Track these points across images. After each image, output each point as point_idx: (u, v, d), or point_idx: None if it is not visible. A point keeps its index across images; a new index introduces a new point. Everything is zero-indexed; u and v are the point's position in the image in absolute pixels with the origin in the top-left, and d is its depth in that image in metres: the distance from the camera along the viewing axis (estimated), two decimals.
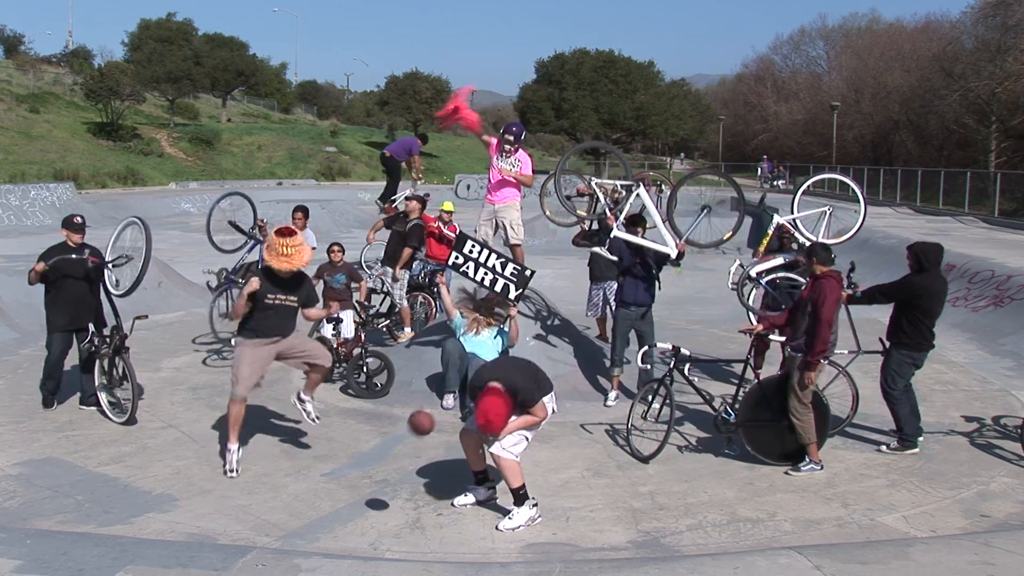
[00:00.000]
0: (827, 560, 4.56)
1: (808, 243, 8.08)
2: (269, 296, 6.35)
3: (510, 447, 5.42)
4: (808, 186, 9.31)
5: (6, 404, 8.09)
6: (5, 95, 46.11)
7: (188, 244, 22.42)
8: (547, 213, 9.61)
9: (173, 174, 45.49)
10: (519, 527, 5.49)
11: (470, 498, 5.87)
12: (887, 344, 7.02)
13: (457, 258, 8.32)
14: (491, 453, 5.49)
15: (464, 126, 9.24)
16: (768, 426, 6.61)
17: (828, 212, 8.65)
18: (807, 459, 6.49)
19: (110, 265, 7.91)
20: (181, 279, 14.59)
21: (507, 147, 8.59)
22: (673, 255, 8.08)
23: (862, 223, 8.92)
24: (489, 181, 8.89)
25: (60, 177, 35.08)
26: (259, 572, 4.45)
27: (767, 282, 8.35)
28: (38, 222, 25.02)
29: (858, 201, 9.26)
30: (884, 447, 6.98)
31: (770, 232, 8.68)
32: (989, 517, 5.72)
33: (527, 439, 5.51)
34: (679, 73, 79.85)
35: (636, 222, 8.35)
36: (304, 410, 6.77)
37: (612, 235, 8.11)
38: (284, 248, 6.23)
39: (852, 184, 9.88)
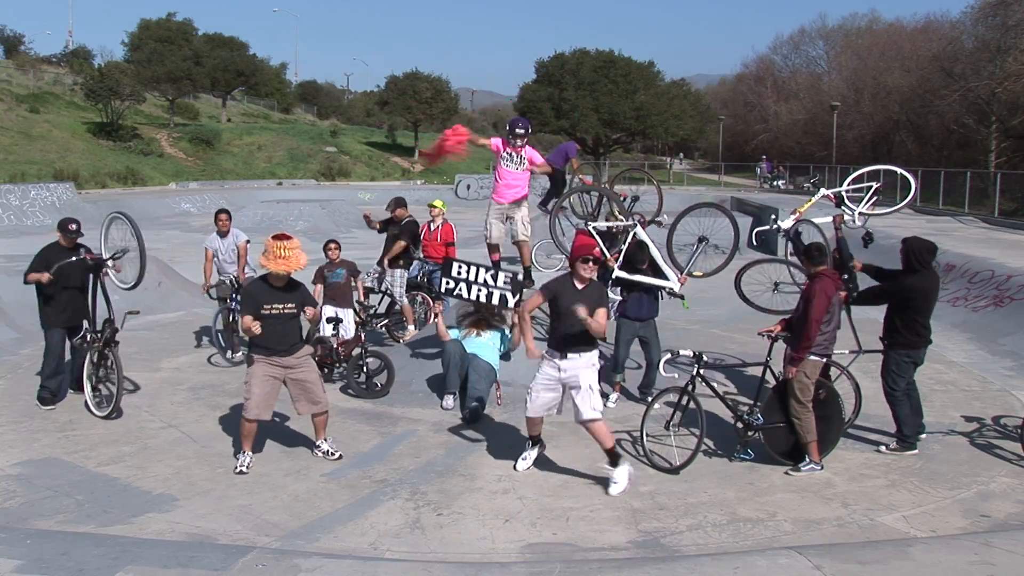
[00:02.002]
0: (827, 560, 4.56)
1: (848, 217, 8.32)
2: (266, 306, 6.36)
3: (592, 408, 6.04)
4: (861, 175, 9.12)
5: (6, 404, 8.09)
6: (5, 95, 46.12)
7: (188, 244, 22.41)
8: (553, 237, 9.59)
9: (173, 174, 45.52)
10: (624, 489, 6.06)
11: (530, 459, 6.59)
12: (885, 341, 7.01)
13: (448, 283, 8.28)
14: (584, 423, 6.13)
15: (456, 151, 9.12)
16: (790, 425, 6.57)
17: (876, 189, 8.66)
18: (807, 459, 6.49)
19: (110, 262, 8.02)
20: (181, 279, 14.59)
21: (517, 143, 8.55)
22: (676, 289, 8.13)
23: (909, 200, 9.16)
24: (496, 182, 8.86)
25: (60, 177, 35.13)
26: (259, 572, 4.45)
27: (794, 234, 8.44)
28: (38, 222, 25.03)
29: (908, 188, 9.50)
30: (883, 447, 6.98)
31: (814, 199, 8.83)
32: (989, 517, 5.72)
33: (596, 391, 6.11)
34: (679, 73, 79.66)
35: (635, 260, 8.19)
36: (322, 452, 6.79)
37: (614, 276, 8.09)
38: (281, 250, 6.28)
39: (907, 174, 9.78)
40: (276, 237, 6.38)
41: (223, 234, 10.12)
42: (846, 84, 54.00)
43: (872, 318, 8.61)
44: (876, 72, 50.44)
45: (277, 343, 6.41)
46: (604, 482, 6.28)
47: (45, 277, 7.75)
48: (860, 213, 8.48)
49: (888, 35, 55.90)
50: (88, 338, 7.94)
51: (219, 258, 10.10)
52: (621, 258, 8.20)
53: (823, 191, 8.84)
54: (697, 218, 8.80)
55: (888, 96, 48.12)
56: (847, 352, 7.35)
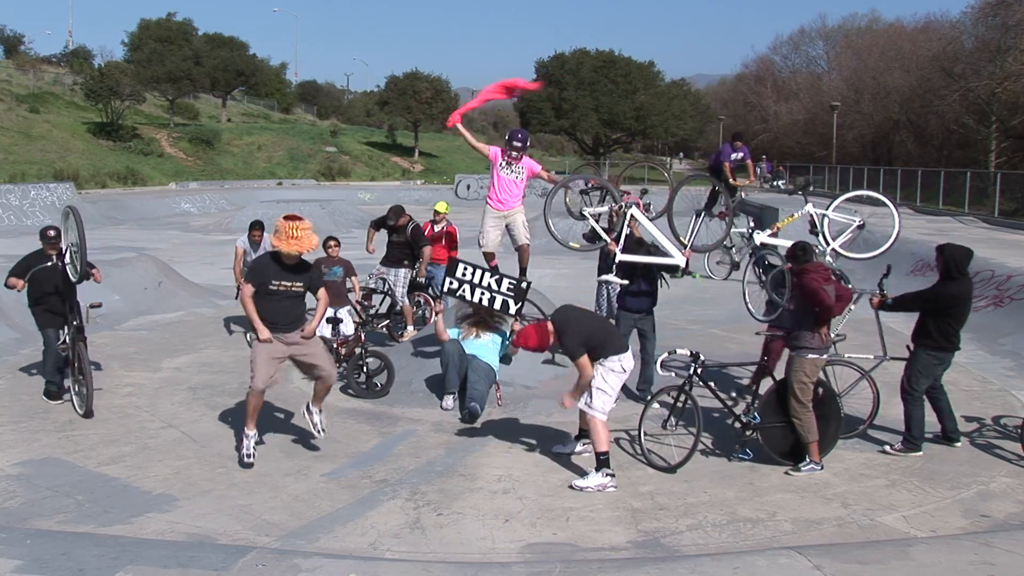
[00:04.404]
0: (827, 560, 4.56)
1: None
2: (274, 283, 6.39)
3: (597, 406, 6.13)
4: (844, 201, 8.60)
5: (6, 404, 8.09)
6: (5, 95, 46.13)
7: (188, 244, 22.45)
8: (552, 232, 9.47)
9: (173, 174, 45.55)
10: (587, 488, 6.07)
11: (567, 448, 6.76)
12: (912, 346, 6.99)
13: (451, 283, 8.26)
14: (581, 410, 6.25)
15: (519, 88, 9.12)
16: (788, 425, 6.58)
17: (859, 225, 8.35)
18: (807, 459, 6.49)
19: (66, 259, 8.17)
20: (181, 279, 14.60)
21: (515, 154, 8.49)
22: (682, 265, 8.14)
23: (890, 244, 8.46)
24: (491, 188, 8.77)
25: (60, 177, 35.17)
26: (259, 572, 4.44)
27: (760, 255, 8.39)
28: (38, 222, 24.96)
29: (892, 216, 8.57)
30: (888, 447, 6.96)
31: (795, 215, 8.69)
32: (989, 517, 5.71)
33: (610, 395, 6.19)
34: (679, 73, 79.79)
35: (639, 244, 8.27)
36: (312, 421, 6.78)
37: (617, 260, 8.07)
38: (293, 231, 6.31)
39: (895, 210, 8.72)
40: (288, 217, 6.39)
41: (256, 244, 10.48)
42: (846, 84, 54.02)
43: (882, 323, 8.62)
44: (876, 72, 50.44)
45: (281, 319, 6.45)
46: None
47: (20, 285, 8.08)
48: (833, 249, 8.13)
49: (888, 35, 55.91)
50: (64, 340, 8.10)
51: (248, 260, 10.40)
52: (622, 243, 8.19)
53: (810, 208, 8.42)
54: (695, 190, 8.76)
55: (888, 96, 48.13)
56: (872, 357, 7.34)
